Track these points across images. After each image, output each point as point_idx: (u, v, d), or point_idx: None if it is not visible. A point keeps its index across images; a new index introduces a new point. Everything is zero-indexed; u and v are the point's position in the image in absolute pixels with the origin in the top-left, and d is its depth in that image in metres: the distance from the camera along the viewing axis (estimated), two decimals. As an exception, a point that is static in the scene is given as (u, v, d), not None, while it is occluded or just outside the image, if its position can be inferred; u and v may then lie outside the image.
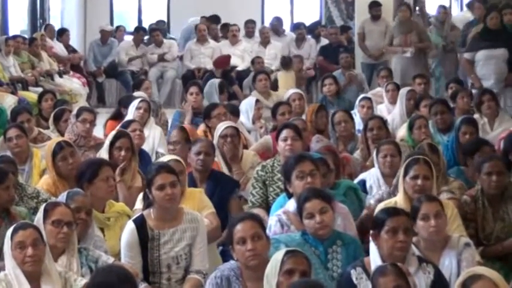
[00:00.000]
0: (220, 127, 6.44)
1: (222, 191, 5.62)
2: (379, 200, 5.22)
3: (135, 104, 7.35)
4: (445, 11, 12.15)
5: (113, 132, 5.91)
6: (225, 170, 6.24)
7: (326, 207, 4.28)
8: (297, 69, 11.57)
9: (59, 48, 12.46)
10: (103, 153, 5.80)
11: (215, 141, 6.34)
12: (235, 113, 7.76)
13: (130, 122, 6.69)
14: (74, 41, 13.32)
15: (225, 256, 4.80)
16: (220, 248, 5.26)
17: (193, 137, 6.48)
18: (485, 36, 9.11)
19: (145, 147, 6.87)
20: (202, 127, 7.37)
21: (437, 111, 7.24)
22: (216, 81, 9.14)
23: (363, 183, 5.86)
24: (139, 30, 13.63)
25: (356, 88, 10.44)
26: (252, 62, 11.85)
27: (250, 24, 13.52)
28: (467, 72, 9.38)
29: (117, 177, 5.46)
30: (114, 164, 5.40)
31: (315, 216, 4.26)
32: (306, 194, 4.36)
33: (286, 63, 11.41)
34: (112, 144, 5.75)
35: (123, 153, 5.69)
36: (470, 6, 12.55)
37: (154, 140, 7.18)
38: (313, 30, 13.73)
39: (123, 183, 5.55)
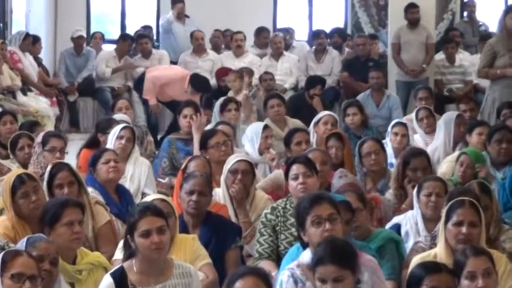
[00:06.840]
0: (232, 159, 6.41)
1: (220, 238, 5.61)
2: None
3: (116, 131, 7.35)
4: None
5: (48, 168, 5.87)
6: (231, 215, 6.21)
7: (342, 276, 4.18)
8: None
9: (28, 62, 12.35)
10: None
11: (222, 177, 6.35)
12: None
13: (103, 151, 6.71)
14: (42, 50, 13.33)
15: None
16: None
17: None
18: None
19: (130, 187, 6.90)
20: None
21: (502, 139, 7.18)
22: None
23: (396, 228, 5.87)
24: (126, 38, 13.26)
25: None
26: (260, 78, 11.86)
27: (263, 33, 13.54)
28: None
29: None
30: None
31: (327, 283, 4.21)
32: (321, 254, 4.26)
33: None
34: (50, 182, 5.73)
35: (66, 190, 5.67)
36: None
37: (140, 178, 7.21)
38: (331, 38, 13.68)
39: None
